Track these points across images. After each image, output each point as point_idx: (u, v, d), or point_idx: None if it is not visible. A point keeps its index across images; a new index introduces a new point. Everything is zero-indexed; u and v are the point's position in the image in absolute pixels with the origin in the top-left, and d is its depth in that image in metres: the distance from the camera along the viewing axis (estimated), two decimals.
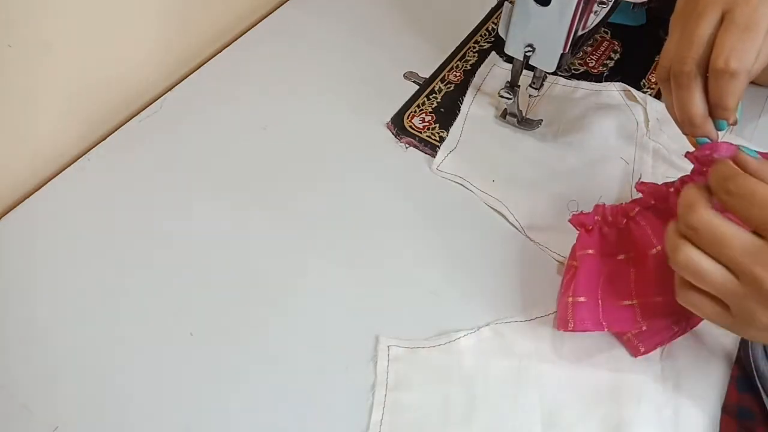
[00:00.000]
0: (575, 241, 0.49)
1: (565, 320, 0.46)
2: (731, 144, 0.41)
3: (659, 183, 0.47)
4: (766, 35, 0.38)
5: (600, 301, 0.46)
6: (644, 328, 0.45)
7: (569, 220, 0.49)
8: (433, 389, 0.46)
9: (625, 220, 0.47)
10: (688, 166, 0.55)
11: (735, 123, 0.42)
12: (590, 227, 0.48)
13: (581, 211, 0.49)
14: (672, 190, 0.45)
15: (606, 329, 0.46)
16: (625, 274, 0.47)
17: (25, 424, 0.45)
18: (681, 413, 0.44)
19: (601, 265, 0.48)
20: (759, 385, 0.44)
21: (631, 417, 0.44)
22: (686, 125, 0.42)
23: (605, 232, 0.48)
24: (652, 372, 0.46)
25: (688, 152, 0.43)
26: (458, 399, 0.45)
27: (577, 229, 0.49)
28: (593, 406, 0.45)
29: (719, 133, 0.43)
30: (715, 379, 0.46)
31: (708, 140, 0.42)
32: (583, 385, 0.46)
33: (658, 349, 0.47)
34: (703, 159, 0.42)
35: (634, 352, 0.46)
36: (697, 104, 0.41)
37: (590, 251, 0.48)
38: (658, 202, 0.46)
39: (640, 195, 0.48)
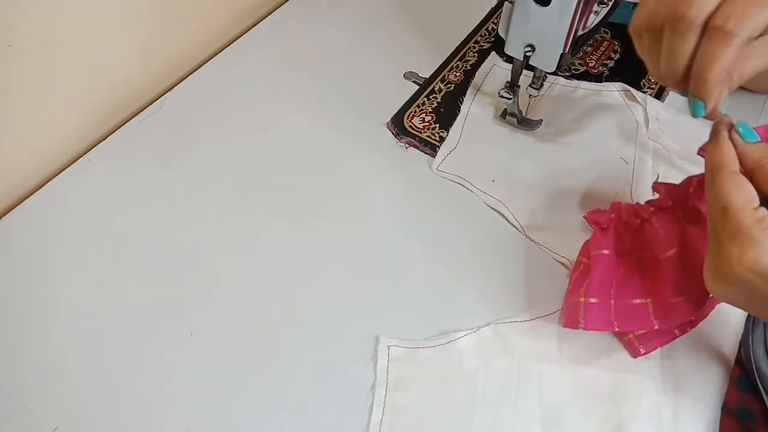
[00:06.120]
0: (589, 239, 0.49)
1: (576, 320, 0.45)
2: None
3: (673, 183, 0.45)
4: (753, 42, 0.36)
5: (612, 302, 0.46)
6: (656, 327, 0.44)
7: (584, 217, 0.48)
8: (433, 389, 0.46)
9: (639, 221, 0.47)
10: (688, 166, 0.55)
11: (716, 116, 0.37)
12: (605, 226, 0.48)
13: (597, 209, 0.48)
14: (692, 190, 0.44)
15: (617, 329, 0.45)
16: (637, 273, 0.47)
17: (26, 425, 0.45)
18: (681, 413, 0.44)
19: (616, 265, 0.47)
20: (759, 385, 0.44)
21: (631, 417, 0.44)
22: (669, 78, 0.38)
23: (620, 231, 0.48)
24: (652, 372, 0.46)
25: (701, 148, 0.39)
26: (458, 399, 0.45)
27: (592, 227, 0.48)
28: (593, 406, 0.45)
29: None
30: (715, 380, 0.46)
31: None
32: (583, 385, 0.46)
33: (658, 350, 0.46)
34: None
35: (635, 353, 0.46)
36: (687, 59, 0.37)
37: (605, 251, 0.47)
38: (676, 203, 0.45)
39: (655, 195, 0.47)
